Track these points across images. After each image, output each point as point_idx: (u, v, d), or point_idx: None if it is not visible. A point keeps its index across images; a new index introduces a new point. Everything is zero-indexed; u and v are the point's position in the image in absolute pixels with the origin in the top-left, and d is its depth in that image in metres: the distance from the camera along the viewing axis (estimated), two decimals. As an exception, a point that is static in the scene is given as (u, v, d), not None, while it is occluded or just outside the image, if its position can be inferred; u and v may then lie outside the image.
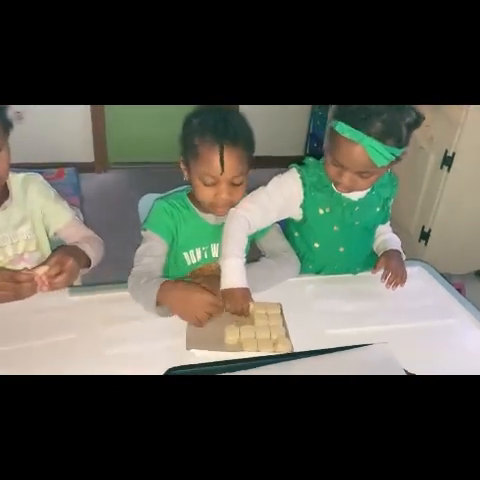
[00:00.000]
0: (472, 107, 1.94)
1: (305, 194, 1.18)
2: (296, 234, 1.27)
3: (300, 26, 0.74)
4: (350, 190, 1.14)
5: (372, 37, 0.75)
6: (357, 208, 1.19)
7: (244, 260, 1.10)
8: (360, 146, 1.01)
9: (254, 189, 1.20)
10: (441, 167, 2.09)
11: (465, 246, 2.27)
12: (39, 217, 1.22)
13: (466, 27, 0.73)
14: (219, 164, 1.04)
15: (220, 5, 0.72)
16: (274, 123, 3.39)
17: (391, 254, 1.23)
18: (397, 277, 1.18)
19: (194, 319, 0.98)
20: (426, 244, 2.22)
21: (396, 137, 1.02)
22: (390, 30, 0.74)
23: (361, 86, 0.79)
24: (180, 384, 0.66)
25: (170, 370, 0.86)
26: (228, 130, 1.05)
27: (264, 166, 1.62)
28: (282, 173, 1.21)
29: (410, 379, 0.78)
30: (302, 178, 1.18)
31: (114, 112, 3.25)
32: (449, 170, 2.06)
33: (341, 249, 1.23)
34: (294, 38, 0.75)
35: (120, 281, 1.10)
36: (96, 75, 0.75)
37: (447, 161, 2.05)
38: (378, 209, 1.25)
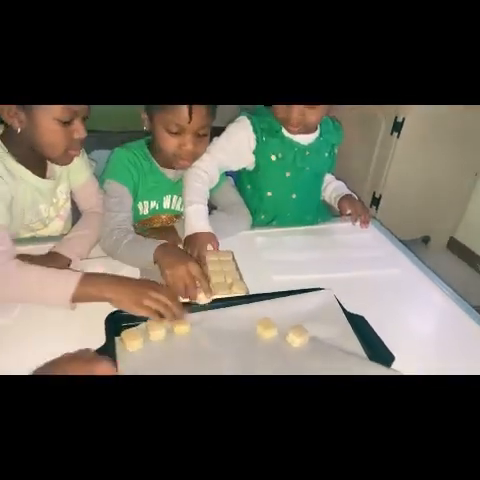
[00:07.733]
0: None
1: (257, 140, 1.19)
2: (248, 187, 1.28)
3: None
4: (301, 126, 1.16)
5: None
6: (307, 153, 1.23)
7: (206, 207, 1.10)
8: None
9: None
10: (391, 133, 2.13)
11: (413, 212, 2.35)
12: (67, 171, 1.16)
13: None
14: (187, 112, 1.03)
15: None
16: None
17: (350, 197, 1.31)
18: (365, 215, 1.28)
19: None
20: (377, 210, 2.28)
21: None
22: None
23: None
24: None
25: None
26: None
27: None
28: (233, 121, 1.22)
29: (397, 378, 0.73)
30: (253, 125, 1.19)
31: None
32: (398, 136, 2.10)
33: (293, 196, 1.26)
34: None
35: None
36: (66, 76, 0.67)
37: (397, 127, 2.09)
38: (326, 154, 1.29)
